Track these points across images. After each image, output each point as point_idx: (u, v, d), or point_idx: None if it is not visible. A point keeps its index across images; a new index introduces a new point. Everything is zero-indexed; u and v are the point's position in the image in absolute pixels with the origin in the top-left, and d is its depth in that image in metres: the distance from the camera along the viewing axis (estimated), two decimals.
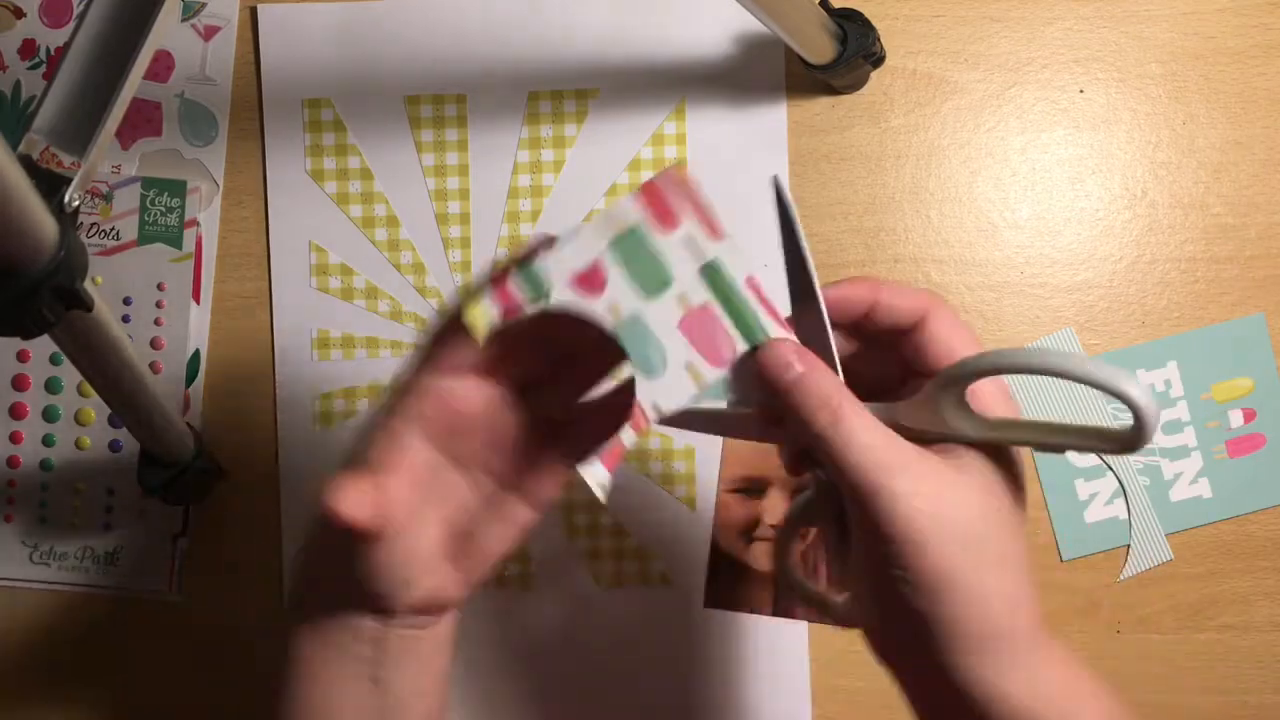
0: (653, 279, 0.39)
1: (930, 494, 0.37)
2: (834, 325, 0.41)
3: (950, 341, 0.40)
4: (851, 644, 0.65)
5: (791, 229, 0.40)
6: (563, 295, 0.38)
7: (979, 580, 0.37)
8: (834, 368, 0.40)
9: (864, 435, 0.37)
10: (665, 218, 0.38)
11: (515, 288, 0.38)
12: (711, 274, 0.40)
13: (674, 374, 0.40)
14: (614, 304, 0.39)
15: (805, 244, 0.40)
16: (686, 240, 0.39)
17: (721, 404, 0.41)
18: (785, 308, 0.42)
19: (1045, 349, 0.35)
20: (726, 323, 0.40)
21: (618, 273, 0.39)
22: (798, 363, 0.39)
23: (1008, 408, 0.40)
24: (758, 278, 0.40)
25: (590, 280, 0.39)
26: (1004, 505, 0.38)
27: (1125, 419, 0.34)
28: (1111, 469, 0.65)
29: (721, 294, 0.40)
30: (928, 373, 0.40)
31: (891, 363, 0.42)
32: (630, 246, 0.38)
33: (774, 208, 0.41)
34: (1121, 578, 0.65)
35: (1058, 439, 0.36)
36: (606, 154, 0.67)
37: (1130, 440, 0.34)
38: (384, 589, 0.40)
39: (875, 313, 0.41)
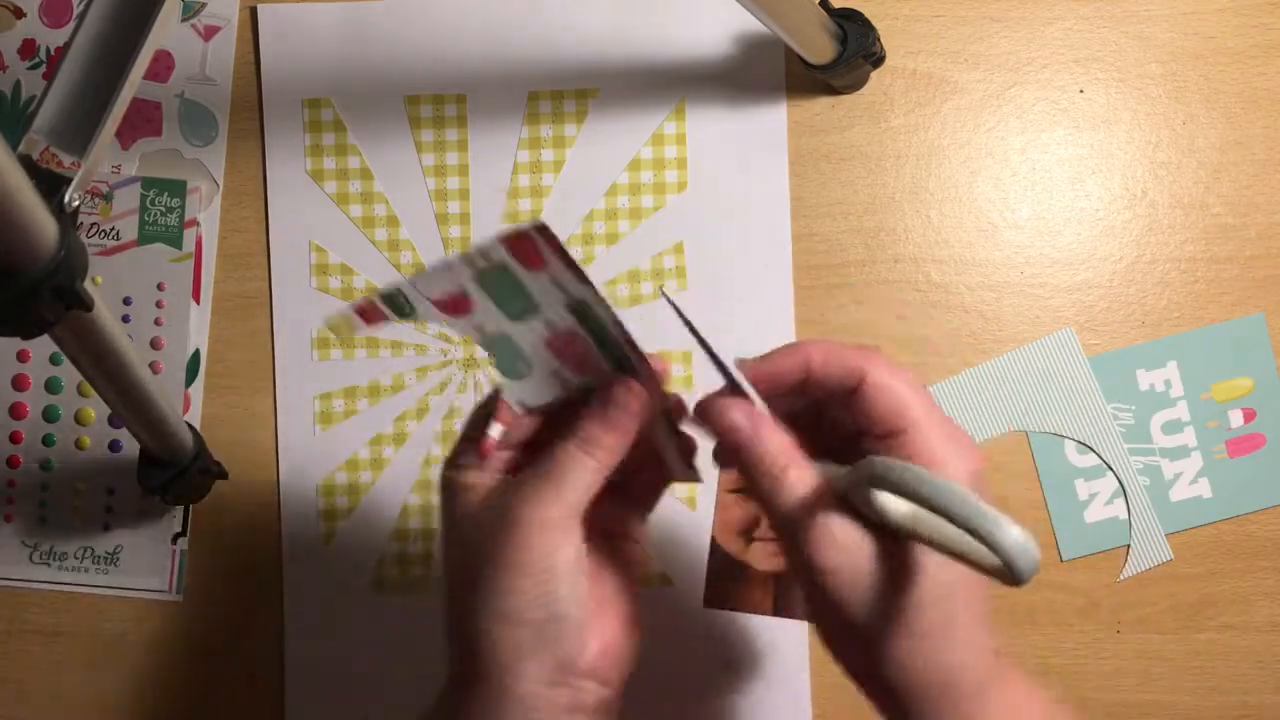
0: (518, 306, 0.42)
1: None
2: (774, 395, 0.43)
3: (889, 403, 0.41)
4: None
5: (695, 333, 0.43)
6: (427, 313, 0.41)
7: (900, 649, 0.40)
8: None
9: (795, 499, 0.41)
10: (532, 261, 0.40)
11: (379, 307, 0.41)
12: (581, 309, 0.42)
13: (541, 379, 0.44)
14: (480, 324, 0.42)
15: (709, 345, 0.43)
16: (553, 280, 0.40)
17: None
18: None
19: (937, 483, 0.36)
20: (595, 348, 0.43)
21: (484, 300, 0.41)
22: (745, 422, 0.42)
23: (957, 458, 0.41)
24: (623, 324, 0.42)
25: (456, 305, 0.42)
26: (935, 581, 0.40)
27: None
28: (1111, 469, 0.65)
29: (591, 327, 0.42)
30: (874, 432, 0.41)
31: (845, 419, 0.43)
32: (496, 280, 0.41)
33: (674, 315, 0.44)
34: (1121, 578, 0.65)
35: (952, 547, 0.37)
36: (606, 154, 0.67)
37: (1005, 577, 0.35)
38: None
39: (809, 383, 0.43)
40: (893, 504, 0.38)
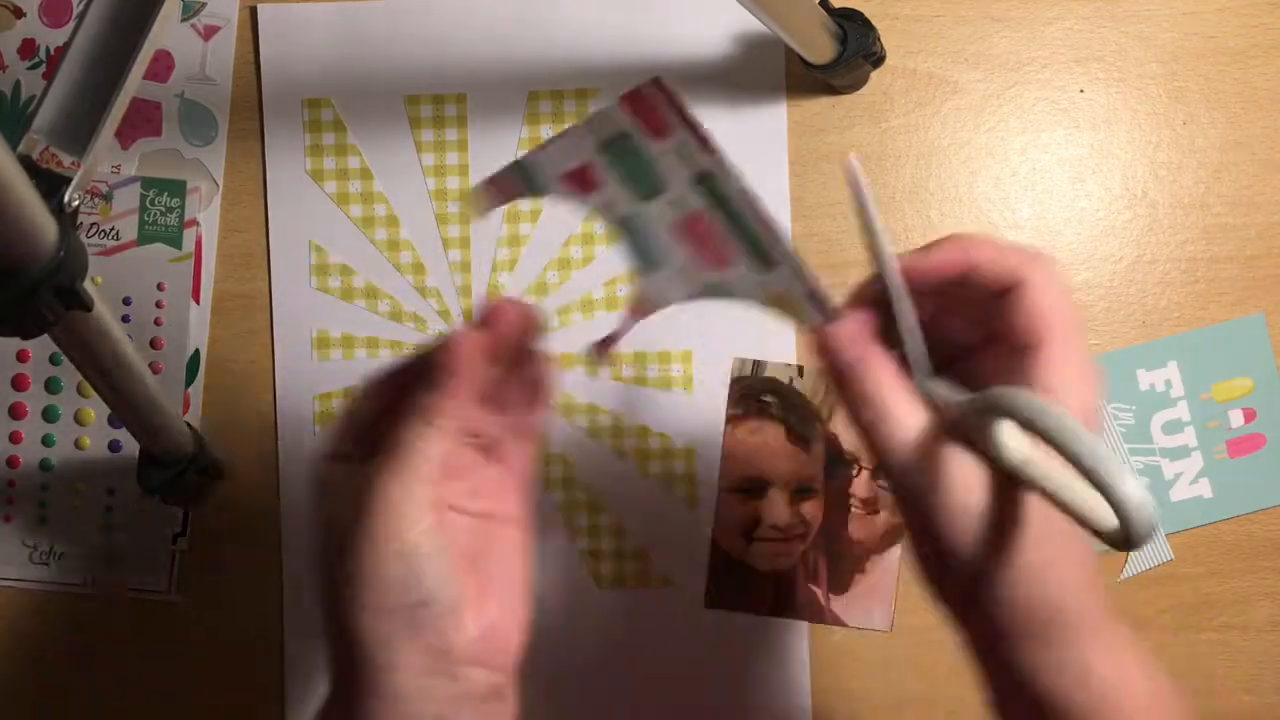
0: (646, 184, 0.39)
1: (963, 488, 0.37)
2: (922, 291, 0.40)
3: (1041, 312, 0.38)
4: (852, 644, 0.65)
5: (865, 212, 0.39)
6: (555, 189, 0.39)
7: (1036, 571, 0.38)
8: (906, 343, 0.40)
9: (902, 435, 0.38)
10: (656, 127, 0.38)
11: (511, 178, 0.39)
12: (708, 183, 0.39)
13: (674, 273, 0.41)
14: (610, 203, 0.40)
15: (877, 227, 0.39)
16: (679, 149, 0.38)
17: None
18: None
19: (1063, 419, 0.32)
20: (725, 230, 0.40)
21: (610, 175, 0.39)
22: (850, 348, 0.39)
23: (1080, 388, 0.38)
24: (753, 193, 0.39)
25: (582, 180, 0.39)
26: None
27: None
28: None
29: (718, 203, 0.39)
30: (1010, 343, 0.39)
31: (979, 323, 0.40)
32: (621, 151, 0.38)
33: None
34: (1121, 578, 0.65)
35: (1065, 499, 0.34)
36: None
37: (1117, 541, 0.32)
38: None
39: (968, 279, 0.40)
40: (1011, 443, 0.36)
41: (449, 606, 0.39)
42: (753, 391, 0.66)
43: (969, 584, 0.38)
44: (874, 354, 0.40)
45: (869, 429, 0.39)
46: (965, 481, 0.37)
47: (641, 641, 0.66)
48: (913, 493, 0.38)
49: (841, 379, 0.40)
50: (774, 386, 0.67)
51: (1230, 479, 0.65)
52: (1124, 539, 0.31)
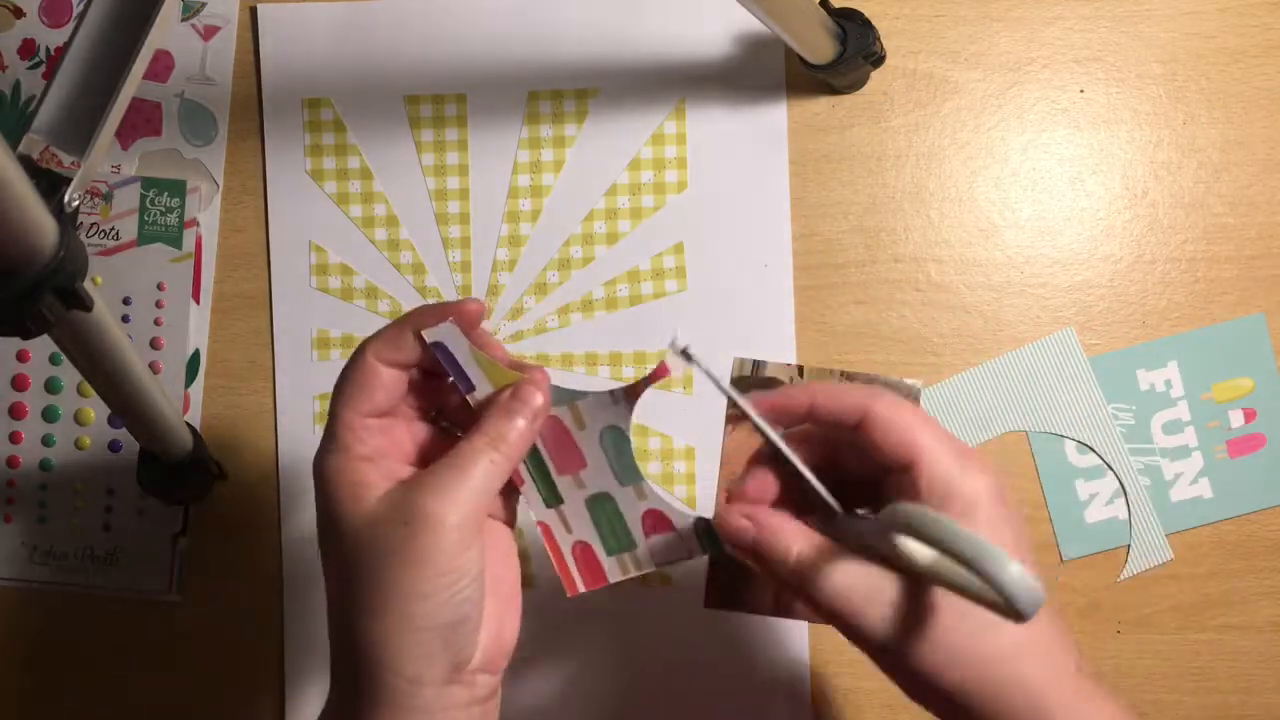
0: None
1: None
2: (784, 425, 0.45)
3: (896, 435, 0.41)
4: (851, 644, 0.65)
5: (714, 379, 0.43)
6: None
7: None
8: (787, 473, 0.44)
9: (834, 578, 0.41)
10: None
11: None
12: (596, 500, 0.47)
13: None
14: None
15: (727, 389, 0.43)
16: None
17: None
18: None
19: (942, 522, 0.37)
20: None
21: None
22: (749, 526, 0.43)
23: (974, 478, 0.41)
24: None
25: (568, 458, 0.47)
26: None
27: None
28: (1112, 469, 0.65)
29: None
30: (888, 467, 0.42)
31: (865, 457, 0.43)
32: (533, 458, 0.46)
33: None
34: (1121, 578, 0.65)
35: (964, 587, 0.38)
36: (607, 154, 0.67)
37: (1012, 615, 0.36)
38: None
39: (814, 416, 0.43)
40: (915, 550, 0.40)
41: (475, 623, 0.40)
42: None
43: (900, 669, 0.41)
44: (765, 514, 0.43)
45: (782, 575, 0.42)
46: (862, 582, 0.40)
47: (641, 641, 0.66)
48: (818, 601, 0.41)
49: (752, 551, 0.43)
50: (774, 387, 0.67)
51: (1230, 479, 0.65)
52: (1016, 614, 0.35)
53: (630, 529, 0.49)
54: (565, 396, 0.45)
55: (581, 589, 0.49)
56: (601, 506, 0.49)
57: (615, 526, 0.49)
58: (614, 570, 0.49)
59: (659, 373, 0.43)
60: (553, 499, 0.48)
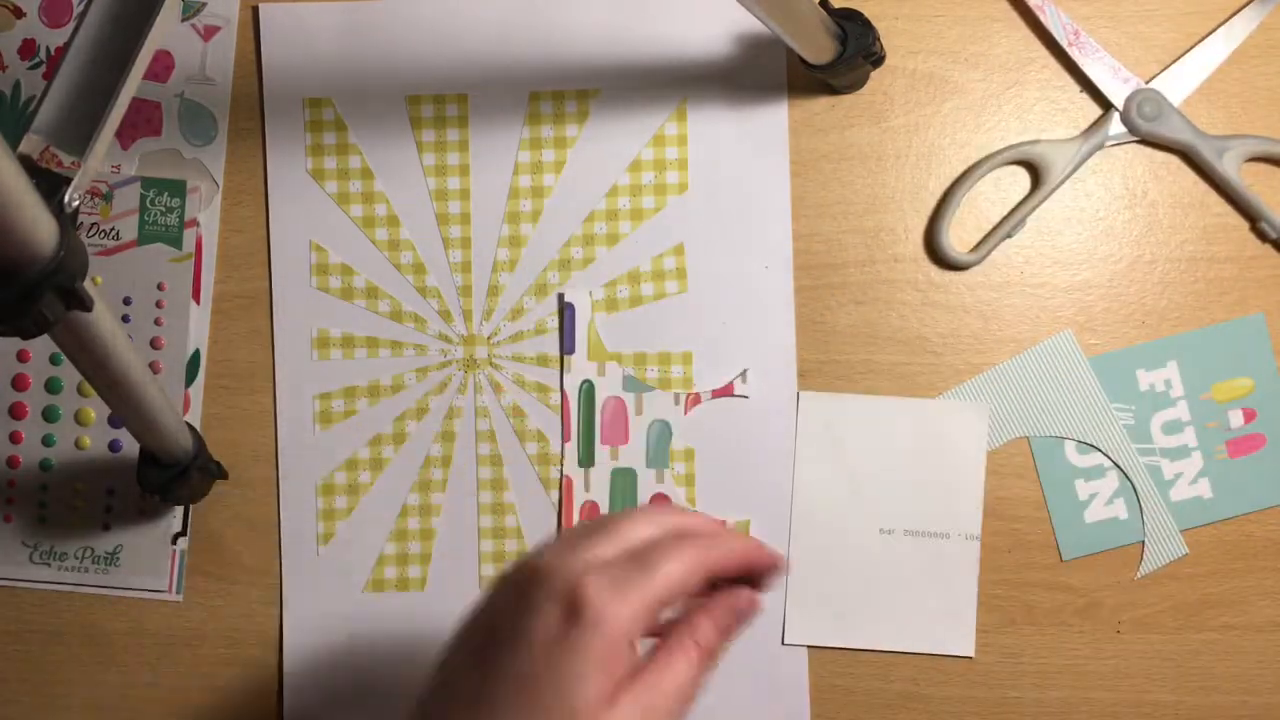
0: None
1: None
2: None
3: None
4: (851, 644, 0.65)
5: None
6: None
7: None
8: None
9: None
10: None
11: None
12: None
13: None
14: None
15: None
16: None
17: None
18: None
19: None
20: None
21: None
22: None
23: None
24: None
25: None
26: None
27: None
28: (1119, 467, 0.65)
29: None
30: None
31: None
32: None
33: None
34: (1138, 575, 0.65)
35: None
36: (608, 155, 0.67)
37: None
38: None
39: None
40: None
41: None
42: None
43: None
44: None
45: None
46: None
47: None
48: None
49: None
50: None
51: (1230, 479, 0.65)
52: None
53: (637, 502, 0.62)
54: None
55: None
56: (623, 477, 0.63)
57: (626, 496, 0.63)
58: None
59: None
60: (587, 460, 0.63)
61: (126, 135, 0.68)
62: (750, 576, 0.45)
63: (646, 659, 0.42)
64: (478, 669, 0.42)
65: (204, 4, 0.68)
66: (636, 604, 0.41)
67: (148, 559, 0.67)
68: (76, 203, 0.44)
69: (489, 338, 0.67)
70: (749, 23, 0.64)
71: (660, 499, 0.64)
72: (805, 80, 0.66)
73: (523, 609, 0.42)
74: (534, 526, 0.66)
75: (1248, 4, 0.65)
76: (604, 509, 0.64)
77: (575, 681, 0.40)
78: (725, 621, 0.44)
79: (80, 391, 0.67)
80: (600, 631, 0.40)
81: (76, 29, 0.45)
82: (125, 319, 0.67)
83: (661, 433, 0.65)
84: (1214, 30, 0.65)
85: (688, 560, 0.43)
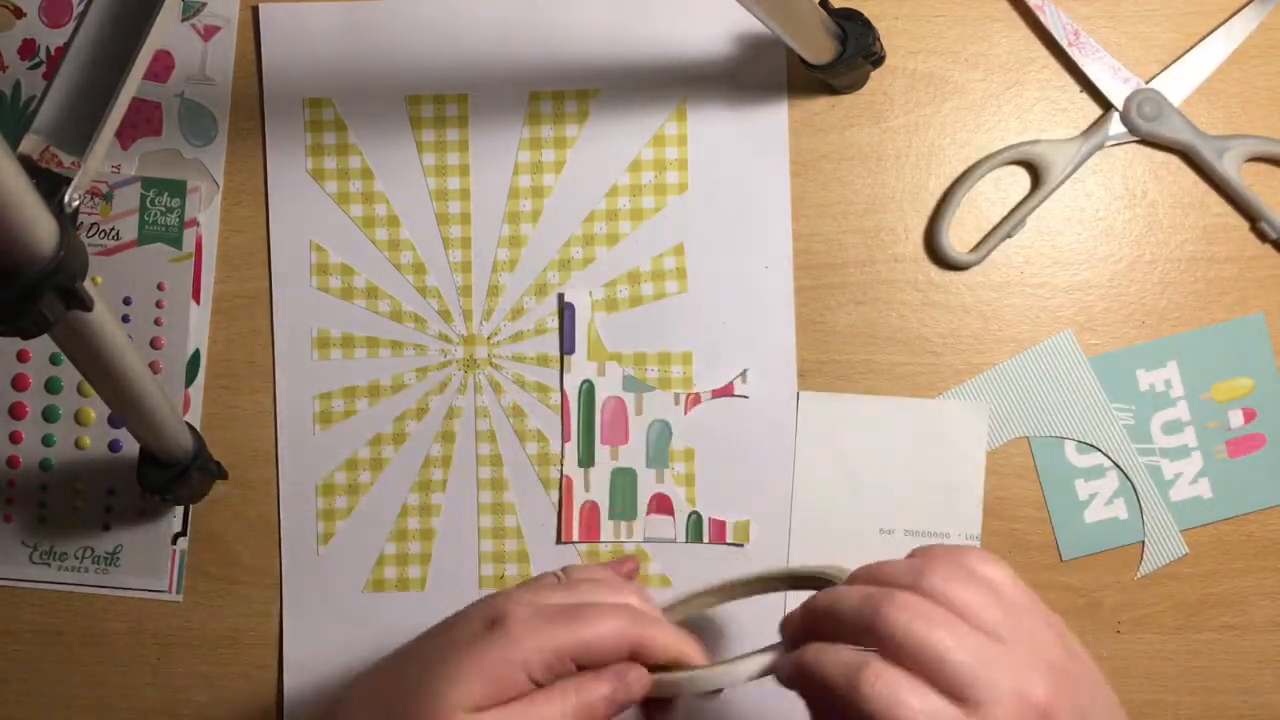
0: None
1: None
2: None
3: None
4: None
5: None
6: None
7: None
8: None
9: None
10: None
11: None
12: None
13: None
14: None
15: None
16: None
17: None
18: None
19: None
20: None
21: None
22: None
23: None
24: None
25: None
26: None
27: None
28: (1119, 467, 0.65)
29: None
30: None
31: None
32: None
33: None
34: (1138, 575, 0.65)
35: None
36: (608, 155, 0.67)
37: None
38: None
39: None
40: None
41: None
42: None
43: None
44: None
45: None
46: None
47: None
48: None
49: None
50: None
51: (1230, 479, 0.65)
52: None
53: (637, 502, 0.62)
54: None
55: (575, 539, 0.64)
56: (623, 477, 0.63)
57: (626, 496, 0.63)
58: (609, 531, 0.62)
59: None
60: (587, 460, 0.64)
61: (126, 135, 0.68)
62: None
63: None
64: (398, 651, 0.46)
65: (204, 4, 0.68)
66: (548, 641, 0.43)
67: (148, 559, 0.67)
68: (76, 203, 0.44)
69: (489, 338, 0.67)
70: (749, 23, 0.64)
71: (659, 498, 0.63)
72: (805, 80, 0.66)
73: (458, 618, 0.46)
74: (534, 526, 0.66)
75: (1248, 4, 0.65)
76: (604, 509, 0.64)
77: (453, 680, 0.42)
78: (613, 687, 0.44)
79: (80, 391, 0.67)
80: (503, 644, 0.43)
81: (76, 29, 0.45)
82: (125, 319, 0.67)
83: (661, 433, 0.65)
84: (1214, 30, 0.65)
85: (618, 627, 0.44)
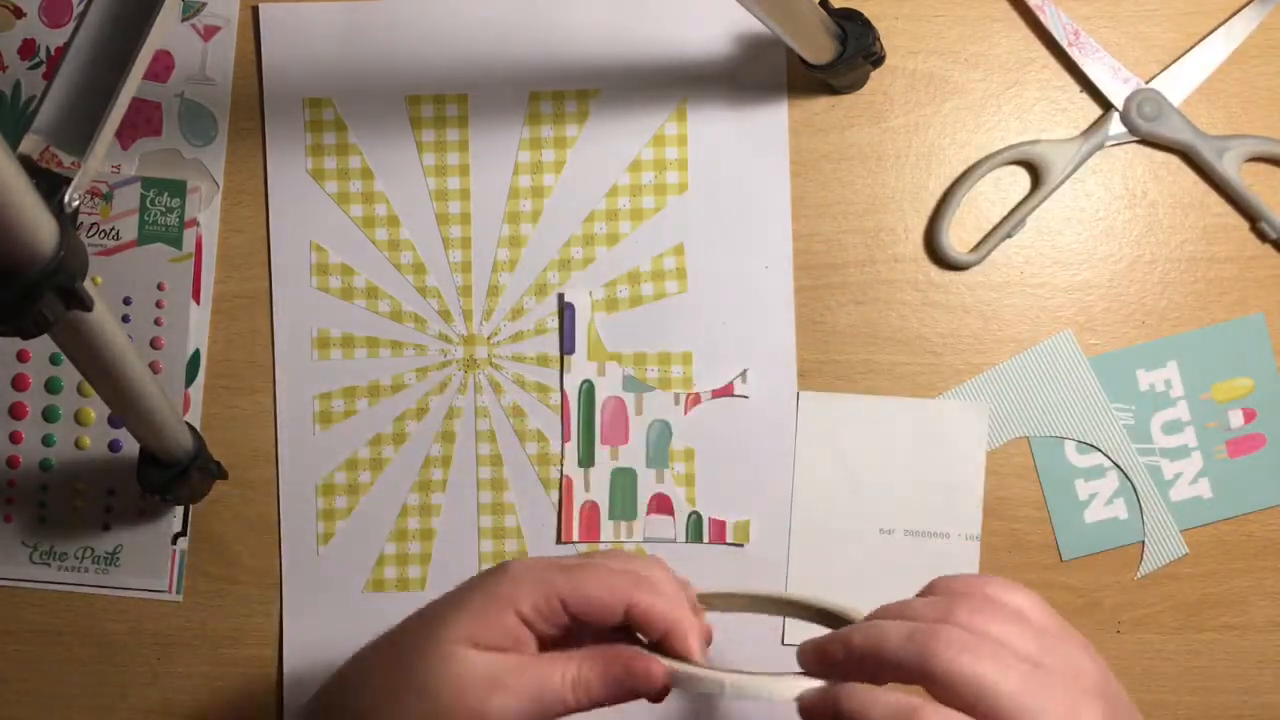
0: None
1: None
2: None
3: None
4: None
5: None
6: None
7: None
8: None
9: None
10: None
11: None
12: None
13: None
14: None
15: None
16: None
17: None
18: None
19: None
20: None
21: None
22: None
23: None
24: None
25: None
26: None
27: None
28: (1120, 468, 0.65)
29: None
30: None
31: None
32: None
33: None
34: (1138, 575, 0.65)
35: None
36: (608, 155, 0.67)
37: None
38: None
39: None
40: None
41: None
42: None
43: None
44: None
45: None
46: None
47: None
48: None
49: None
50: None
51: (1230, 479, 0.65)
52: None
53: (637, 502, 0.63)
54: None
55: (575, 539, 0.65)
56: (623, 477, 0.64)
57: (626, 496, 0.64)
58: (609, 531, 0.63)
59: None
60: (587, 460, 0.64)
61: (126, 135, 0.68)
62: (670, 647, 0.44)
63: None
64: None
65: (204, 4, 0.68)
66: (540, 582, 0.43)
67: (148, 559, 0.67)
68: (76, 203, 0.44)
69: (489, 338, 0.67)
70: (749, 23, 0.64)
71: (659, 498, 0.63)
72: (805, 80, 0.66)
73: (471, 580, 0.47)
74: (534, 526, 0.66)
75: (1248, 4, 0.65)
76: (604, 509, 0.64)
77: (448, 612, 0.44)
78: (614, 670, 0.43)
79: (80, 391, 0.67)
80: (497, 581, 0.44)
81: (76, 29, 0.45)
82: (125, 319, 0.67)
83: (661, 433, 0.65)
84: (1214, 30, 0.65)
85: (612, 583, 0.44)
